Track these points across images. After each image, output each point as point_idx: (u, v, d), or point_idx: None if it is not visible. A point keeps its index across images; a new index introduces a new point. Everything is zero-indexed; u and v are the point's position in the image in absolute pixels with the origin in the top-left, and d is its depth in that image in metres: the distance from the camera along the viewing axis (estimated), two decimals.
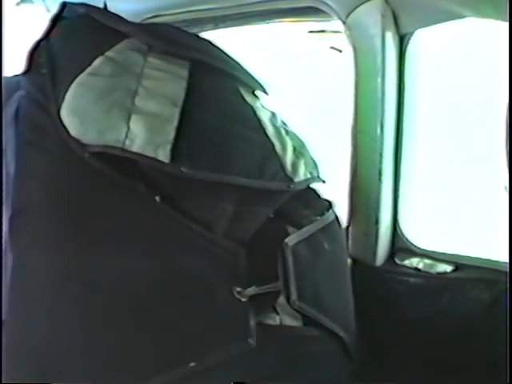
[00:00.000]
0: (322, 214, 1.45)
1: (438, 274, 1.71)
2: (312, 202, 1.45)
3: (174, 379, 1.17)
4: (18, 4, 1.97)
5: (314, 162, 1.46)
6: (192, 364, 1.18)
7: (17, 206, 1.23)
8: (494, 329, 1.49)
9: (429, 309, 1.71)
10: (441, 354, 1.67)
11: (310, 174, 1.41)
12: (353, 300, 1.54)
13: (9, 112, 1.30)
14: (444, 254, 1.74)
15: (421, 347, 1.70)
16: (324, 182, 1.47)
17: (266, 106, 1.43)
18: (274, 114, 1.42)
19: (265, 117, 1.38)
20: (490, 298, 1.60)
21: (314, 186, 1.46)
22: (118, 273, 1.19)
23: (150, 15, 1.91)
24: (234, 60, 1.42)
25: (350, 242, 1.76)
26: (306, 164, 1.40)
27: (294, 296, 1.31)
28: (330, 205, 1.49)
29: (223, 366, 1.21)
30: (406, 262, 1.75)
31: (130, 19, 1.65)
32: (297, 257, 1.34)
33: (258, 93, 1.45)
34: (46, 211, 1.22)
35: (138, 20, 1.87)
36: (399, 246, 1.77)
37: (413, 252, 1.76)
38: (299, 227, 1.38)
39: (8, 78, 1.38)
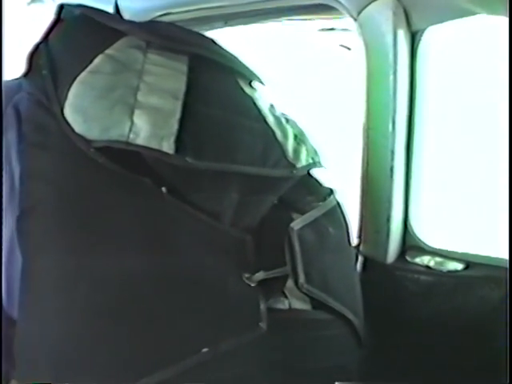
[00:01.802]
0: (325, 200, 1.47)
1: (449, 272, 1.70)
2: (314, 188, 1.47)
3: (189, 367, 1.18)
4: (28, 4, 1.98)
5: (314, 149, 1.48)
6: (205, 350, 1.18)
7: (24, 207, 1.23)
8: (504, 327, 1.49)
9: (440, 307, 1.71)
10: (452, 351, 1.67)
11: (312, 159, 1.43)
12: (360, 287, 1.54)
13: (10, 114, 1.30)
14: (454, 252, 1.74)
15: (432, 345, 1.70)
16: (325, 168, 1.49)
17: (264, 96, 1.44)
18: (272, 105, 1.44)
19: (264, 107, 1.39)
20: (499, 296, 1.60)
21: (315, 173, 1.48)
22: (128, 266, 1.19)
23: (160, 13, 1.92)
24: (231, 53, 1.43)
25: (361, 239, 1.77)
26: (307, 150, 1.42)
27: (301, 279, 1.32)
28: (331, 191, 1.51)
29: (236, 351, 1.21)
30: (417, 260, 1.75)
31: (139, 18, 1.67)
32: (303, 241, 1.35)
33: (256, 85, 1.46)
34: (54, 209, 1.22)
35: (148, 18, 1.88)
36: (410, 243, 1.77)
37: (423, 250, 1.76)
38: (303, 213, 1.40)
39: (8, 82, 1.39)
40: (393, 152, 1.63)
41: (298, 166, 1.37)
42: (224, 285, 1.26)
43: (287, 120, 1.43)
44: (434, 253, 1.75)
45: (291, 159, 1.36)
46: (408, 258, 1.76)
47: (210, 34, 1.87)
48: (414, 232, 1.76)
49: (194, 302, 1.22)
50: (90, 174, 1.23)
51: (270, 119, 1.37)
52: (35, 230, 1.22)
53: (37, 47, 1.37)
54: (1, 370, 1.23)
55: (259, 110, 1.37)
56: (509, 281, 1.48)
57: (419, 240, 1.76)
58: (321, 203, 1.46)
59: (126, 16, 1.72)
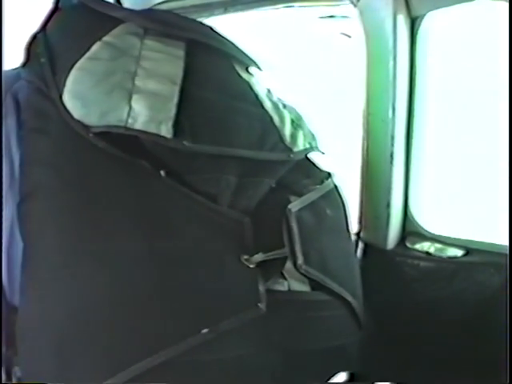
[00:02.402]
0: (322, 183, 1.48)
1: (449, 258, 1.71)
2: (312, 172, 1.48)
3: (189, 347, 1.19)
4: None
5: (311, 133, 1.48)
6: (205, 330, 1.19)
7: (25, 192, 1.24)
8: (503, 313, 1.49)
9: (440, 292, 1.72)
10: (452, 336, 1.67)
11: (309, 144, 1.44)
12: (359, 270, 1.54)
13: (9, 103, 1.31)
14: (454, 238, 1.75)
15: (432, 330, 1.70)
16: (323, 152, 1.50)
17: (261, 82, 1.44)
18: (269, 90, 1.45)
19: (261, 92, 1.40)
20: (498, 281, 1.61)
21: (313, 157, 1.48)
22: (127, 248, 1.21)
23: (159, 1, 1.91)
24: (228, 39, 1.43)
25: (361, 225, 1.77)
26: (304, 135, 1.43)
27: (300, 260, 1.33)
28: (328, 174, 1.51)
29: (235, 332, 1.22)
30: (417, 246, 1.76)
31: (139, 6, 1.66)
32: (301, 222, 1.35)
33: (253, 70, 1.47)
34: (55, 193, 1.23)
35: (148, 6, 1.88)
36: (410, 229, 1.78)
37: (423, 236, 1.77)
38: (301, 196, 1.41)
39: (6, 71, 1.40)
40: (393, 138, 1.63)
41: (295, 150, 1.38)
42: (223, 266, 1.27)
43: (284, 105, 1.44)
44: (433, 239, 1.75)
45: (288, 143, 1.37)
46: (408, 244, 1.77)
47: (209, 21, 1.87)
48: (413, 218, 1.77)
49: (193, 283, 1.23)
50: (89, 158, 1.23)
51: (267, 104, 1.38)
52: (36, 214, 1.23)
53: (34, 37, 1.38)
54: (0, 370, 1.24)
55: (256, 95, 1.37)
56: (509, 266, 1.48)
57: (419, 226, 1.77)
58: (318, 186, 1.46)
59: (126, 4, 1.72)
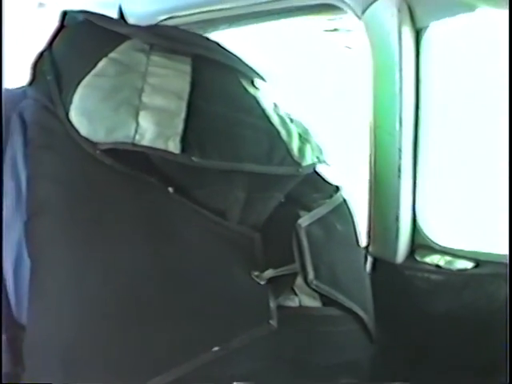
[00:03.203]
0: (331, 197, 1.48)
1: (459, 270, 1.70)
2: (320, 186, 1.48)
3: (200, 365, 1.18)
4: (34, 11, 1.99)
5: (319, 147, 1.49)
6: (216, 348, 1.18)
7: (32, 209, 1.24)
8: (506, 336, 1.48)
9: (450, 305, 1.70)
10: (462, 350, 1.66)
11: (317, 158, 1.45)
12: (369, 284, 1.55)
13: (15, 121, 1.32)
14: (464, 250, 1.73)
15: (443, 344, 1.69)
16: (330, 166, 1.51)
17: (267, 96, 1.45)
18: (276, 104, 1.45)
19: (268, 106, 1.41)
20: (507, 293, 1.59)
21: (321, 171, 1.49)
22: (137, 264, 1.20)
23: (164, 17, 1.92)
24: (233, 53, 1.45)
25: (370, 239, 1.77)
26: (312, 149, 1.43)
27: (311, 275, 1.32)
28: (337, 188, 1.52)
29: (246, 349, 1.21)
30: (427, 259, 1.75)
31: (144, 22, 1.67)
32: (311, 237, 1.35)
33: (259, 85, 1.47)
34: (62, 210, 1.23)
35: (152, 22, 1.89)
36: (419, 242, 1.77)
37: (433, 249, 1.76)
38: (310, 210, 1.41)
39: (12, 90, 1.40)
40: (400, 150, 1.62)
41: (304, 164, 1.38)
42: (233, 283, 1.26)
43: (291, 119, 1.44)
44: (443, 251, 1.74)
45: (296, 157, 1.37)
46: (417, 258, 1.76)
47: (214, 35, 1.88)
48: (422, 231, 1.75)
49: (204, 300, 1.22)
50: (96, 175, 1.24)
51: (275, 118, 1.38)
52: (43, 231, 1.23)
53: (41, 55, 1.39)
54: (0, 369, 1.24)
55: (263, 109, 1.38)
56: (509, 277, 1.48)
57: (428, 239, 1.76)
58: (327, 200, 1.46)
59: (131, 20, 1.72)
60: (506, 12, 1.30)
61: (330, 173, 1.51)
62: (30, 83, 1.38)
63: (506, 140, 1.43)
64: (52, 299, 1.22)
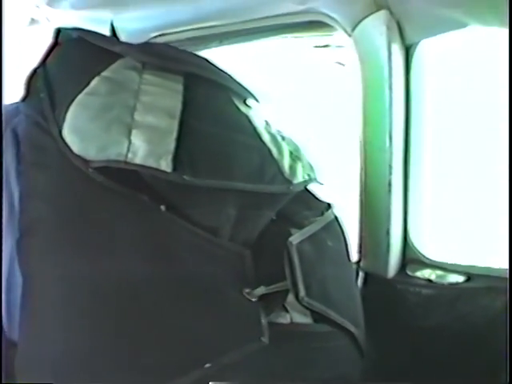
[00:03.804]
0: (322, 214, 1.49)
1: (451, 284, 1.70)
2: (312, 203, 1.49)
3: (192, 381, 1.18)
4: (26, 27, 2.00)
5: (310, 165, 1.50)
6: (207, 365, 1.19)
7: (24, 227, 1.24)
8: (505, 336, 1.48)
9: (442, 320, 1.71)
10: (455, 365, 1.66)
11: (308, 176, 1.45)
12: (360, 299, 1.55)
13: (8, 137, 1.32)
14: (455, 264, 1.74)
15: (435, 358, 1.69)
16: (321, 184, 1.51)
17: (259, 114, 1.46)
18: (267, 122, 1.46)
19: (259, 124, 1.41)
20: (500, 306, 1.60)
21: (312, 188, 1.50)
22: (128, 282, 1.21)
23: (156, 34, 1.93)
24: (225, 72, 1.45)
25: (361, 254, 1.77)
26: (303, 167, 1.44)
27: (302, 293, 1.33)
28: (328, 205, 1.52)
29: (238, 365, 1.22)
30: (418, 274, 1.75)
31: (136, 39, 1.68)
32: (302, 255, 1.36)
33: (251, 103, 1.48)
34: (54, 228, 1.23)
35: (144, 39, 1.89)
36: (410, 257, 1.77)
37: (424, 263, 1.76)
38: (301, 227, 1.41)
39: (6, 106, 1.41)
40: (390, 166, 1.63)
41: (295, 182, 1.39)
42: (225, 300, 1.26)
43: (283, 137, 1.45)
44: (434, 266, 1.75)
45: (287, 175, 1.37)
46: (409, 272, 1.76)
47: (205, 53, 1.89)
48: (413, 245, 1.76)
49: (195, 316, 1.22)
50: (89, 193, 1.24)
51: (266, 136, 1.39)
52: (35, 249, 1.23)
53: (34, 71, 1.39)
54: (0, 369, 1.24)
55: (254, 128, 1.39)
56: (509, 289, 1.48)
57: (419, 253, 1.76)
58: (319, 217, 1.47)
59: (122, 37, 1.73)
60: (506, 30, 1.31)
61: (321, 189, 1.51)
62: (24, 99, 1.38)
63: (504, 151, 1.43)
64: (44, 316, 1.22)
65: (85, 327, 1.20)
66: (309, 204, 1.47)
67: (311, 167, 1.49)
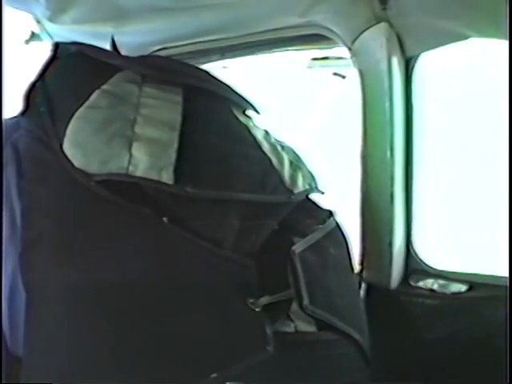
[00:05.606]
0: (324, 222, 1.49)
1: (453, 294, 1.70)
2: (313, 211, 1.50)
3: None
4: (26, 42, 2.00)
5: (311, 174, 1.51)
6: (214, 375, 1.19)
7: (27, 241, 1.25)
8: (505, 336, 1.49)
9: (445, 329, 1.71)
10: (459, 373, 1.66)
11: (309, 185, 1.46)
12: (363, 305, 1.56)
13: (8, 152, 1.32)
14: (458, 273, 1.74)
15: (439, 367, 1.69)
16: (322, 192, 1.52)
17: (258, 125, 1.46)
18: (267, 132, 1.47)
19: (259, 135, 1.42)
20: (503, 315, 1.59)
21: (313, 197, 1.51)
22: (132, 294, 1.21)
23: (157, 48, 1.94)
24: (225, 83, 1.46)
25: (363, 266, 1.77)
26: (303, 176, 1.45)
27: (306, 301, 1.33)
28: (330, 213, 1.53)
29: (244, 375, 1.22)
30: (421, 284, 1.75)
31: (137, 53, 1.68)
32: (305, 263, 1.36)
33: (250, 113, 1.49)
34: (57, 242, 1.24)
35: (145, 53, 1.90)
36: (413, 267, 1.78)
37: (427, 273, 1.77)
38: (304, 236, 1.42)
39: (6, 120, 1.40)
40: (392, 178, 1.64)
41: (296, 191, 1.40)
42: (229, 311, 1.27)
43: (283, 147, 1.46)
44: (437, 275, 1.75)
45: (288, 185, 1.39)
46: (411, 282, 1.76)
47: (207, 66, 1.90)
48: (416, 255, 1.77)
49: (200, 328, 1.23)
50: (91, 207, 1.25)
51: (266, 147, 1.40)
52: (39, 263, 1.24)
53: (33, 85, 1.39)
54: (1, 368, 1.24)
55: (254, 138, 1.40)
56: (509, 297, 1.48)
57: (422, 263, 1.77)
58: (321, 225, 1.48)
59: (123, 51, 1.74)
60: (506, 41, 1.31)
61: (323, 199, 1.52)
62: (23, 113, 1.38)
63: (504, 162, 1.43)
64: (48, 329, 1.22)
65: (90, 340, 1.20)
66: (310, 212, 1.48)
67: (312, 176, 1.50)
